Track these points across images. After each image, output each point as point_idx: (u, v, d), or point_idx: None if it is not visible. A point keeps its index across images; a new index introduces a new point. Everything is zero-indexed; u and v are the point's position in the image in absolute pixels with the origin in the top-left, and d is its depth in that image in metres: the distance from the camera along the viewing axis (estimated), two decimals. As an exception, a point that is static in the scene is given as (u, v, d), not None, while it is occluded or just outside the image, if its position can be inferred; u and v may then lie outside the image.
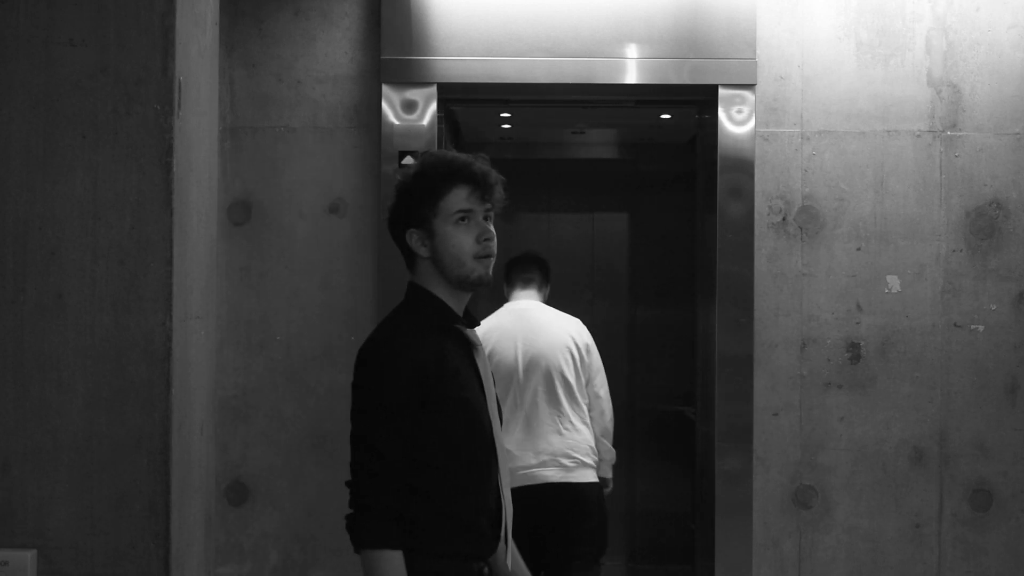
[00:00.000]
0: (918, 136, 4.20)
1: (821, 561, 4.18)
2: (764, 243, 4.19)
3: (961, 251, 4.19)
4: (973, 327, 4.18)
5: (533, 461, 3.97)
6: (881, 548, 4.18)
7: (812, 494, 4.19)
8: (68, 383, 2.50)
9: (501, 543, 2.30)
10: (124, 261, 2.52)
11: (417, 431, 2.16)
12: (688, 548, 5.05)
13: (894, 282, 4.19)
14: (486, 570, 2.28)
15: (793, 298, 4.19)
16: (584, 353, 4.11)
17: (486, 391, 2.29)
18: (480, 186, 2.26)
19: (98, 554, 2.50)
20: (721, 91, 4.18)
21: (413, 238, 2.29)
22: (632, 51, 4.19)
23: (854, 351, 4.18)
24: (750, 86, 4.17)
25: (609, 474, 4.16)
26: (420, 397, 2.16)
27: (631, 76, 4.20)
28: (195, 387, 2.74)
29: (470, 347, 2.31)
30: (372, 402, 2.16)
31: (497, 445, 2.28)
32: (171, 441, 2.51)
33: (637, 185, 6.26)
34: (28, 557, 2.47)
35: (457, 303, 2.30)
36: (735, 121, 4.17)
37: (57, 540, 2.50)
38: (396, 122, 4.16)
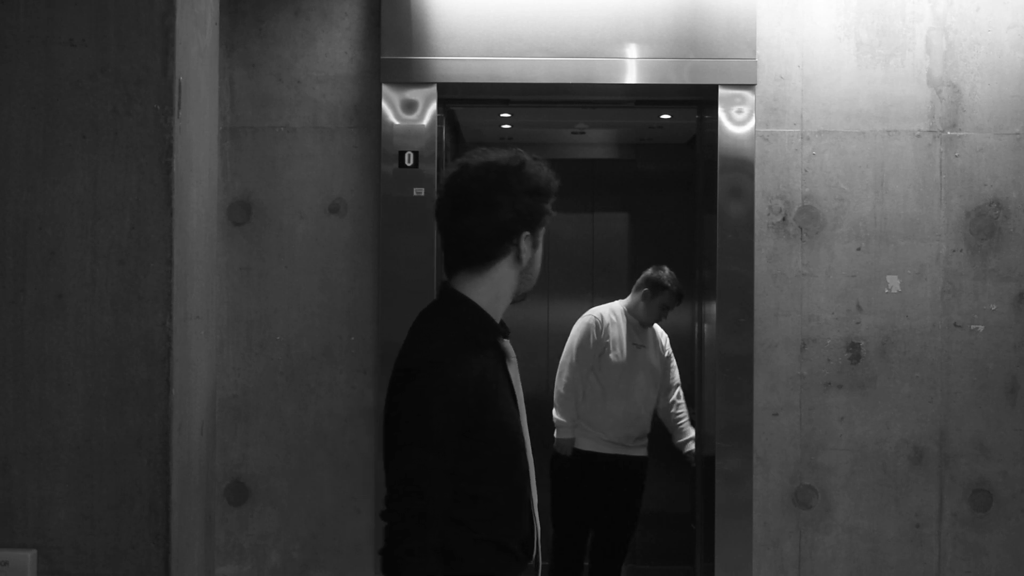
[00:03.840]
0: (918, 136, 4.20)
1: (821, 561, 4.18)
2: (764, 243, 4.18)
3: (961, 251, 4.19)
4: (973, 327, 4.18)
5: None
6: (881, 548, 4.18)
7: (812, 494, 4.19)
8: (68, 383, 2.50)
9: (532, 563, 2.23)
10: (124, 261, 2.52)
11: (460, 462, 2.04)
12: (688, 548, 5.05)
13: (894, 282, 4.19)
14: None
15: (793, 298, 4.19)
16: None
17: (519, 405, 2.18)
18: None
19: (98, 554, 2.50)
20: (721, 91, 4.17)
21: (526, 242, 2.13)
22: (632, 51, 4.19)
23: (854, 351, 4.18)
24: (750, 86, 4.17)
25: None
26: (462, 426, 2.03)
27: (631, 76, 4.20)
28: (195, 387, 2.74)
29: (504, 359, 2.18)
30: (415, 435, 2.01)
31: (529, 464, 2.17)
32: (171, 441, 2.51)
33: (637, 185, 6.26)
34: (28, 557, 2.47)
35: (500, 313, 2.19)
36: (735, 121, 4.17)
37: (57, 540, 2.50)
38: (396, 122, 4.16)
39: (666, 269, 5.02)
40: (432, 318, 2.14)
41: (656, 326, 5.10)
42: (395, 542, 2.01)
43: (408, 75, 4.17)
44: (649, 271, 5.04)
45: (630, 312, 5.02)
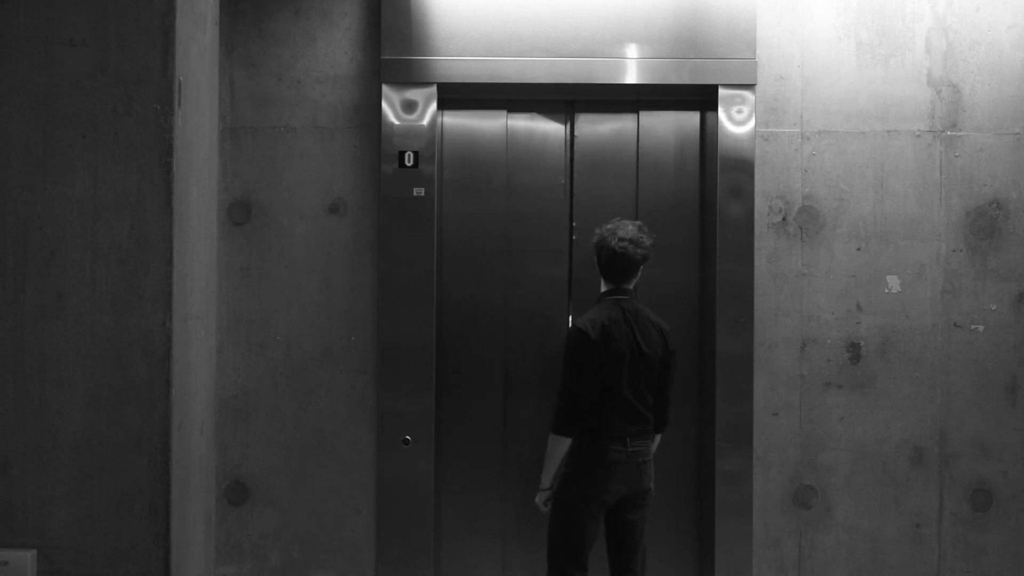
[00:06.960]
0: (918, 136, 4.20)
1: (821, 561, 4.18)
2: (764, 243, 4.19)
3: (961, 251, 4.19)
4: (973, 327, 4.18)
5: None
6: (881, 548, 4.18)
7: (812, 494, 4.19)
8: (68, 383, 2.51)
9: None
10: (124, 261, 2.52)
11: None
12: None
13: (894, 282, 4.19)
14: None
15: (793, 298, 4.19)
16: None
17: None
18: None
19: (98, 554, 2.50)
20: (721, 91, 4.18)
21: None
22: (632, 51, 4.19)
23: (854, 351, 4.18)
24: (750, 86, 4.17)
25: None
26: None
27: (631, 76, 4.20)
28: (195, 387, 2.74)
29: None
30: None
31: None
32: (171, 441, 2.52)
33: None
34: (28, 557, 2.47)
35: None
36: (735, 121, 4.18)
37: (57, 540, 2.50)
38: (396, 122, 4.16)
39: None
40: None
41: None
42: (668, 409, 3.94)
43: (408, 75, 4.17)
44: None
45: None
